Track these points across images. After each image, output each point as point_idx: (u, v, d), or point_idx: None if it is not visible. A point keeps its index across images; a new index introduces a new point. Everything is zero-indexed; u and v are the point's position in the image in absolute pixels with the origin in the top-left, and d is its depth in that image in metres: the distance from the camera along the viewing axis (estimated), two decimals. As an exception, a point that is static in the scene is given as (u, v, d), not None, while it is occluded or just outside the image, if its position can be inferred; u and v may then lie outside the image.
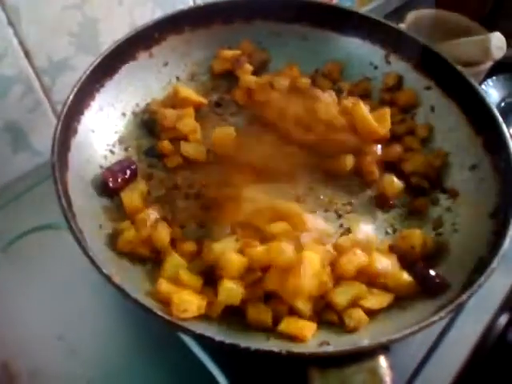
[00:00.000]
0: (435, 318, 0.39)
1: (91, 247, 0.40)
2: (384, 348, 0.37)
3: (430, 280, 0.44)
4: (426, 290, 0.44)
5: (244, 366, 0.44)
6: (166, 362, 0.47)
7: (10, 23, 0.53)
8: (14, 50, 0.55)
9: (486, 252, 0.44)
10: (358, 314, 0.42)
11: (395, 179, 0.54)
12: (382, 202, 0.54)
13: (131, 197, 0.48)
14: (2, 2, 0.51)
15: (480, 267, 0.43)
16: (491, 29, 0.73)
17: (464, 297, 0.40)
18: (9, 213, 0.59)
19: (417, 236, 0.48)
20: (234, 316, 0.42)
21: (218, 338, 0.35)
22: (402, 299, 0.44)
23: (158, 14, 0.65)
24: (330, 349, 0.38)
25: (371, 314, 0.43)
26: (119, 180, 0.49)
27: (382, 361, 0.37)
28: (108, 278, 0.38)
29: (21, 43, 0.55)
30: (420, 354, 0.48)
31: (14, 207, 0.59)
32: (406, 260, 0.46)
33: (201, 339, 0.37)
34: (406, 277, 0.44)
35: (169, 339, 0.46)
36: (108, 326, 0.49)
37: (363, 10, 0.92)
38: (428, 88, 0.59)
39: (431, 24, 0.80)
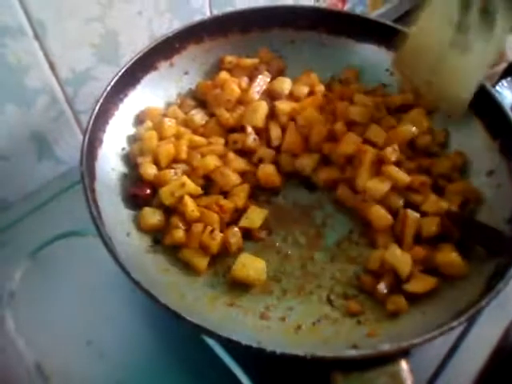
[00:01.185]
0: (455, 323, 0.39)
1: (120, 253, 0.42)
2: (405, 352, 0.38)
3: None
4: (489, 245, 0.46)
5: (268, 368, 0.46)
6: (191, 366, 0.48)
7: (36, 37, 0.55)
8: (40, 62, 0.57)
9: (504, 258, 0.44)
10: (400, 300, 0.46)
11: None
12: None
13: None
14: (29, 17, 0.53)
15: (499, 272, 0.43)
16: (505, 31, 0.73)
17: (483, 302, 0.40)
18: (35, 220, 0.60)
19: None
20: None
21: (245, 342, 0.37)
22: (421, 304, 0.45)
23: (176, 24, 0.66)
24: (352, 353, 0.39)
25: (413, 300, 0.46)
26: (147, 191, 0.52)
27: (403, 364, 0.38)
28: (137, 284, 0.40)
29: (46, 56, 0.57)
30: (439, 357, 0.49)
31: (39, 215, 0.61)
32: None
33: (227, 343, 0.38)
34: (454, 255, 0.46)
35: (194, 343, 0.47)
36: (134, 331, 0.51)
37: (375, 13, 0.93)
38: (444, 93, 0.60)
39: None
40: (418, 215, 0.50)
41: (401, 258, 0.47)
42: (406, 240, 0.49)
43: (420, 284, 0.46)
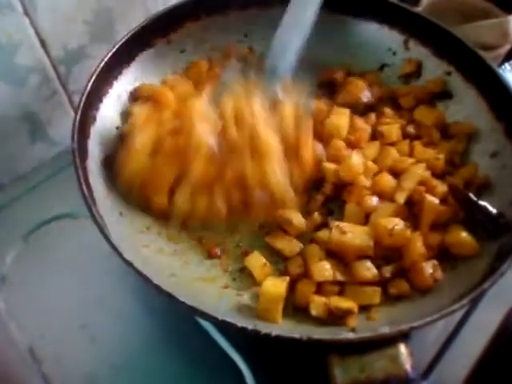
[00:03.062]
0: (456, 305, 0.38)
1: (112, 234, 0.41)
2: (404, 335, 0.37)
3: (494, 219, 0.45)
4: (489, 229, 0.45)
5: (264, 351, 0.45)
6: (185, 349, 0.47)
7: (26, 13, 0.53)
8: (31, 39, 0.55)
9: (507, 240, 0.43)
10: (402, 284, 0.45)
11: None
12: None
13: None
14: (18, -8, 0.51)
15: (501, 255, 0.42)
16: (509, 11, 0.71)
17: (486, 285, 0.39)
18: (28, 202, 0.59)
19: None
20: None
21: (240, 323, 0.36)
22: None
23: (172, 0, 0.64)
24: (350, 335, 0.38)
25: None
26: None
27: (403, 348, 0.37)
28: (129, 264, 0.39)
29: (37, 33, 0.55)
30: (439, 341, 0.48)
31: (32, 197, 0.60)
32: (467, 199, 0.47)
33: (222, 325, 0.37)
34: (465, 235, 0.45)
35: (189, 326, 0.47)
36: (128, 314, 0.50)
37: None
38: (448, 73, 0.58)
39: (448, 7, 0.78)
40: (436, 201, 0.47)
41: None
42: (423, 227, 0.47)
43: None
